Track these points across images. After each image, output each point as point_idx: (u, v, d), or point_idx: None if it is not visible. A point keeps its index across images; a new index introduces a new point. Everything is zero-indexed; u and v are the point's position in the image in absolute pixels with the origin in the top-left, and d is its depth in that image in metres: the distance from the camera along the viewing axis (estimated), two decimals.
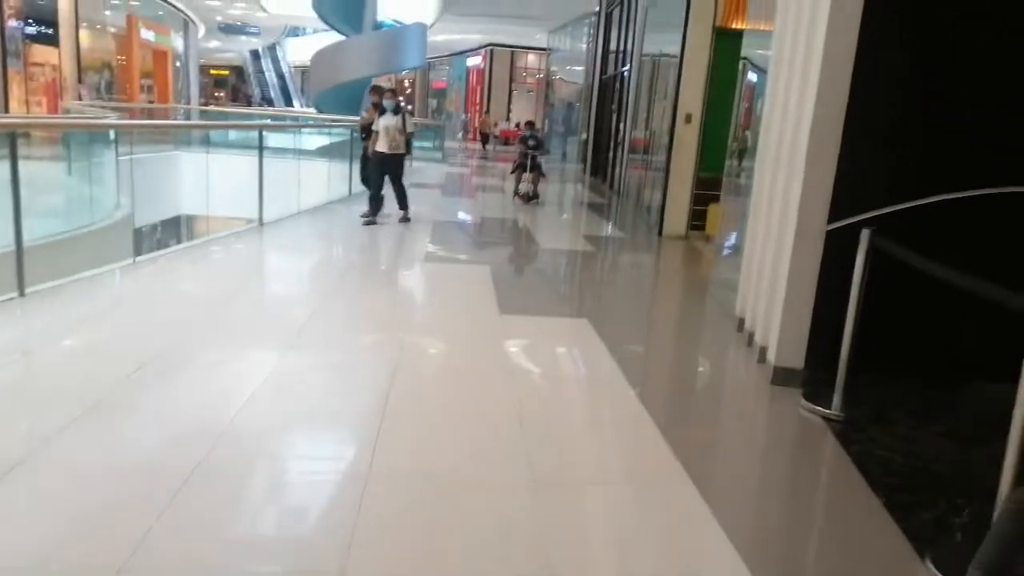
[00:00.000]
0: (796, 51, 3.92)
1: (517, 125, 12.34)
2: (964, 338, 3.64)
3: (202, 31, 30.83)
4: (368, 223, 8.07)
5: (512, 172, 11.72)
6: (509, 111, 30.75)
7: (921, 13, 3.50)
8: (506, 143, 26.26)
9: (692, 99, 8.34)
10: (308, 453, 2.89)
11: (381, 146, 8.09)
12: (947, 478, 2.82)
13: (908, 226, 3.52)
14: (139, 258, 5.84)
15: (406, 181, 8.60)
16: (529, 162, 11.17)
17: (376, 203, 8.24)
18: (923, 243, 3.08)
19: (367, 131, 8.43)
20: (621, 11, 13.93)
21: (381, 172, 8.23)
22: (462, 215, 10.31)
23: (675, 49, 8.53)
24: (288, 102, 37.92)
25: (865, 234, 3.34)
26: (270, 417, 3.05)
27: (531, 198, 11.10)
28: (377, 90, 8.61)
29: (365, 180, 8.95)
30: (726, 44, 8.24)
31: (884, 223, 3.48)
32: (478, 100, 31.70)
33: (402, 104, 8.67)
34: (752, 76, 8.35)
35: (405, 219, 8.38)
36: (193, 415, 3.00)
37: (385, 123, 8.05)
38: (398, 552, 2.18)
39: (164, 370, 3.48)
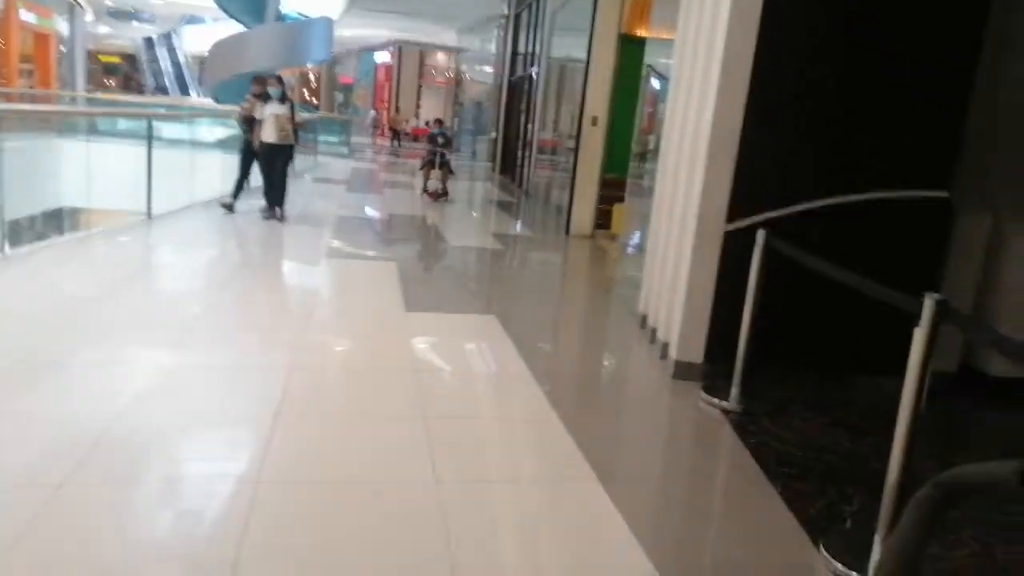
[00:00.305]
0: (696, 58, 4.01)
1: (427, 123, 12.28)
2: (856, 334, 3.81)
3: (90, 15, 28.96)
4: (267, 217, 7.69)
5: (420, 169, 11.59)
6: (418, 109, 30.44)
7: (818, 22, 3.64)
8: (415, 140, 26.01)
9: (598, 103, 8.45)
10: (192, 462, 2.68)
11: (269, 136, 7.56)
12: (839, 468, 2.92)
13: (805, 228, 3.67)
14: (9, 251, 5.37)
15: (309, 176, 8.31)
16: (438, 159, 11.07)
17: (271, 193, 7.79)
18: (819, 245, 3.19)
19: (249, 122, 7.80)
20: (529, 15, 14.01)
21: (270, 164, 7.74)
22: (368, 211, 10.08)
23: (581, 54, 8.63)
24: (185, 92, 36.13)
25: (761, 235, 3.44)
26: (150, 423, 2.83)
27: (440, 195, 10.99)
28: (260, 80, 8.04)
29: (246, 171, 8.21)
30: (631, 50, 8.41)
31: (785, 224, 3.60)
32: (386, 97, 31.23)
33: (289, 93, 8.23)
34: (655, 82, 8.57)
35: (280, 216, 7.74)
36: (63, 424, 2.75)
37: (273, 111, 7.54)
38: (290, 567, 2.05)
39: (28, 374, 3.18)
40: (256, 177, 8.04)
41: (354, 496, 2.43)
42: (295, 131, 7.90)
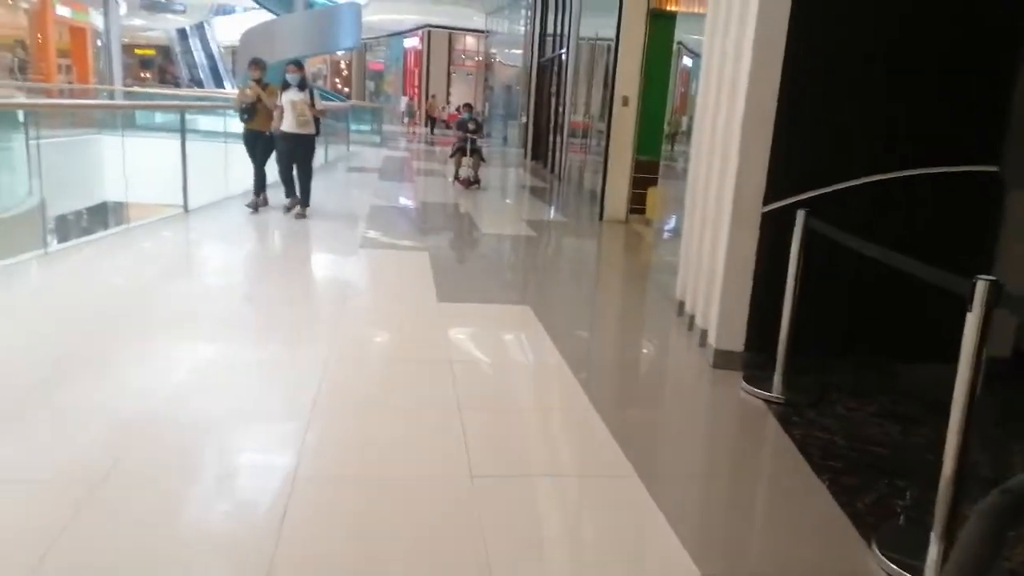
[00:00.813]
0: (729, 33, 3.87)
1: (457, 109, 12.05)
2: (903, 319, 3.68)
3: (124, 8, 29.37)
4: (288, 210, 7.43)
5: (451, 156, 11.45)
6: (448, 94, 30.33)
7: None
8: (448, 127, 25.91)
9: (628, 82, 8.29)
10: (230, 452, 2.69)
11: (288, 125, 7.15)
12: (889, 460, 2.82)
13: (846, 208, 3.53)
14: (52, 248, 5.47)
15: (342, 165, 8.25)
16: (468, 146, 10.93)
17: (290, 186, 7.46)
18: (861, 225, 3.07)
19: (249, 110, 7.40)
20: None
21: (289, 155, 7.35)
22: (400, 200, 10.08)
23: (611, 32, 8.46)
24: (219, 83, 36.53)
25: (800, 215, 3.33)
26: (191, 415, 2.85)
27: (471, 183, 10.84)
28: (258, 64, 7.65)
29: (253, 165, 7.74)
30: (661, 26, 8.21)
31: (825, 205, 3.48)
32: (416, 82, 31.17)
33: (310, 80, 7.78)
34: (687, 60, 8.36)
35: (300, 214, 7.35)
36: (107, 416, 2.78)
37: (291, 98, 7.11)
38: (326, 556, 2.04)
39: (74, 368, 3.23)
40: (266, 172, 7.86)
41: (388, 489, 2.41)
42: (316, 120, 7.40)
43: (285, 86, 7.23)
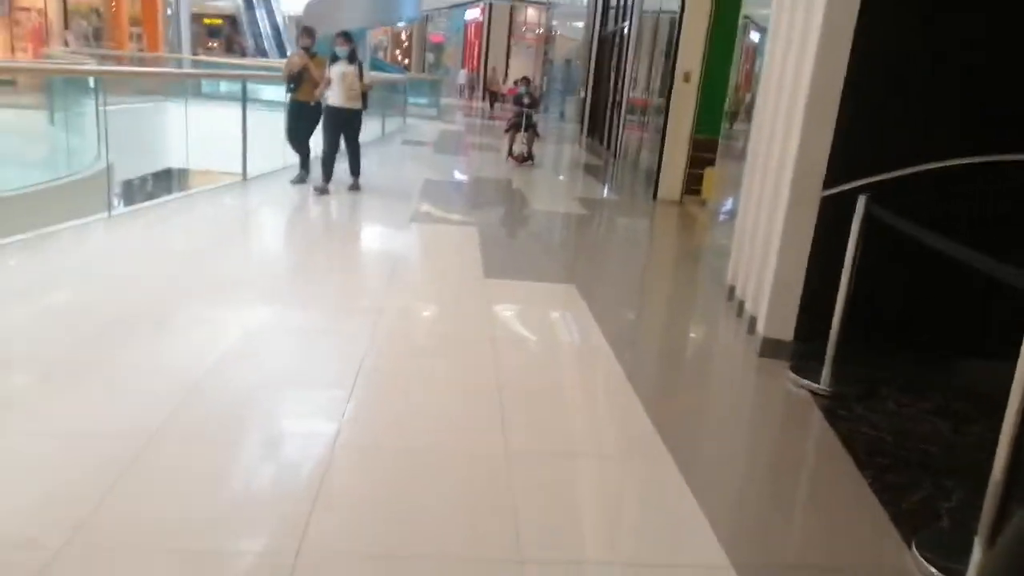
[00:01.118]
0: (797, 10, 3.72)
1: (516, 83, 11.71)
2: (963, 313, 3.52)
3: None
4: (322, 192, 6.96)
5: (506, 132, 11.12)
6: (507, 67, 30.12)
7: None
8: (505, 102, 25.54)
9: (691, 57, 8.07)
10: (272, 419, 2.76)
11: (335, 99, 6.91)
12: (937, 459, 2.72)
13: (910, 195, 3.38)
14: (116, 212, 5.66)
15: (399, 138, 8.21)
16: (524, 121, 10.63)
17: (329, 167, 7.10)
18: (926, 213, 2.93)
19: (296, 79, 7.19)
20: None
21: (335, 130, 7.06)
22: (454, 175, 10.09)
23: (675, 4, 8.24)
24: (283, 53, 37.00)
25: (861, 201, 3.19)
26: (236, 380, 2.93)
27: (525, 159, 10.60)
28: (308, 31, 7.55)
29: (293, 139, 7.51)
30: (727, 0, 7.96)
31: (886, 191, 3.33)
32: (476, 55, 31.04)
33: (358, 53, 7.38)
34: (754, 35, 8.08)
35: (355, 187, 7.24)
36: (158, 376, 2.88)
37: (341, 70, 6.86)
38: (359, 526, 2.08)
39: (128, 329, 3.35)
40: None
41: (425, 464, 2.44)
42: (364, 95, 7.16)
43: (334, 59, 6.95)
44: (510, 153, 10.77)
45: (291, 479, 2.30)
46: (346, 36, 7.13)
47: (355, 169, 7.33)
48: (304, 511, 2.09)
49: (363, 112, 7.34)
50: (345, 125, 7.11)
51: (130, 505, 2.08)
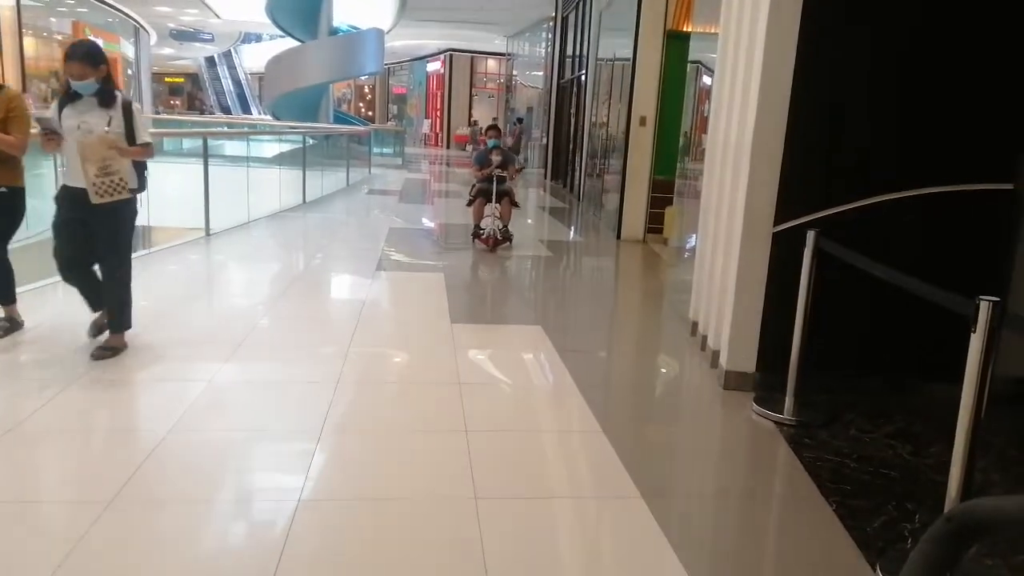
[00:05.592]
0: (739, 52, 3.89)
1: (483, 131, 9.24)
2: (917, 339, 3.63)
3: (154, 38, 30.15)
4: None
5: (468, 204, 7.72)
6: (470, 115, 30.58)
7: (867, 11, 3.48)
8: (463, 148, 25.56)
9: (646, 102, 8.34)
10: (235, 474, 2.73)
11: (73, 177, 3.74)
12: (898, 483, 2.77)
13: (857, 228, 3.50)
14: None
15: (365, 188, 8.26)
16: (494, 187, 7.40)
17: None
18: (873, 245, 3.04)
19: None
20: (576, 15, 13.92)
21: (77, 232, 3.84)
22: (418, 222, 10.15)
23: (628, 52, 8.52)
24: (245, 109, 37.28)
25: (810, 235, 3.31)
26: (198, 435, 2.89)
27: (499, 241, 7.42)
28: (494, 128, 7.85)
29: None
30: (677, 47, 8.26)
31: (836, 225, 3.46)
32: (439, 105, 31.50)
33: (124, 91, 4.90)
34: (707, 79, 8.37)
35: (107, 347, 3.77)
36: (119, 435, 2.83)
37: (78, 122, 3.62)
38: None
39: (101, 389, 3.29)
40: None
41: (392, 511, 2.42)
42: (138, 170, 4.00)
43: (68, 97, 3.66)
44: (476, 234, 7.59)
45: (256, 536, 2.27)
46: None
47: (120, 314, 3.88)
48: (269, 570, 2.06)
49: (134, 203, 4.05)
50: (98, 224, 3.81)
51: (98, 563, 2.03)
